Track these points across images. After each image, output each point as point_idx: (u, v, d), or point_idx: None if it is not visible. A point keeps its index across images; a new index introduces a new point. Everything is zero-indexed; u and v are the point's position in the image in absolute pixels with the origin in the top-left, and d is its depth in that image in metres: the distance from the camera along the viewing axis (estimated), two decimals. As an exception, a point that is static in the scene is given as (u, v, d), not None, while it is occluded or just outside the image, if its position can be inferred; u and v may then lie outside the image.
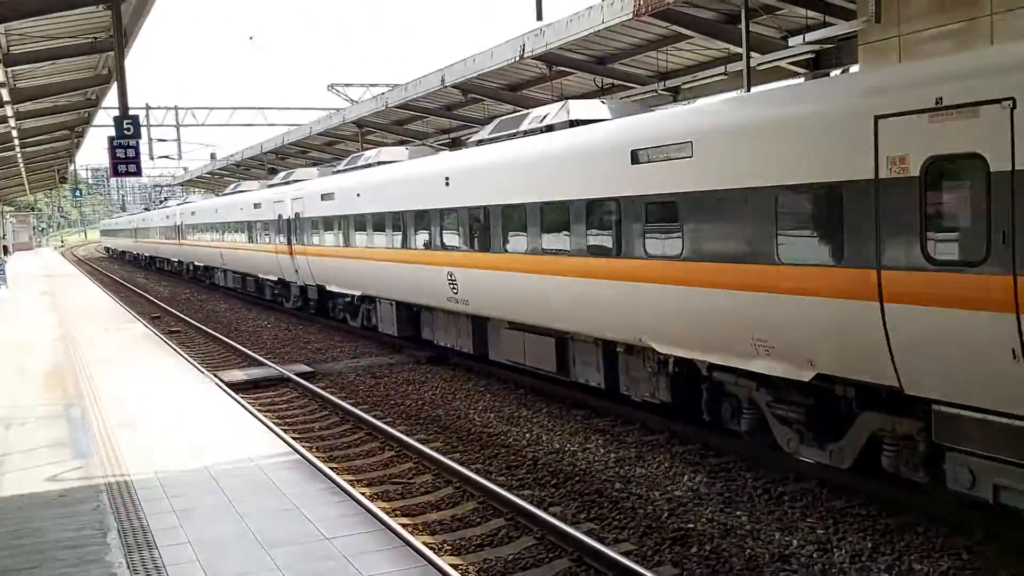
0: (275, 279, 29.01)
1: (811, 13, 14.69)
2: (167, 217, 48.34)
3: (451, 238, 15.90)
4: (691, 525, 8.65)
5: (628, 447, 11.46)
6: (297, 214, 25.00)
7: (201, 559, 6.97)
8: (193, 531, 7.64)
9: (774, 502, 9.18)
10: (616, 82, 20.45)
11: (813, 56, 16.71)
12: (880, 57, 12.78)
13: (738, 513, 8.91)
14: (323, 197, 22.66)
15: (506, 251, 14.07)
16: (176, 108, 47.32)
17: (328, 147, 39.02)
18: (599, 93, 21.11)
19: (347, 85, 34.81)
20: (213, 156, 56.21)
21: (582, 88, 21.71)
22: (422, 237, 17.11)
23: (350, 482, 10.32)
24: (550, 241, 12.80)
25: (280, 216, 26.68)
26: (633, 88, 20.42)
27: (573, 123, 13.37)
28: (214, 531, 7.64)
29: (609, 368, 12.52)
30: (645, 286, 10.80)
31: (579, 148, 12.36)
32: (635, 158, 10.86)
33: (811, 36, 14.39)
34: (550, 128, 13.78)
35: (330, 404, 14.70)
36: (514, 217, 13.82)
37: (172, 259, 49.61)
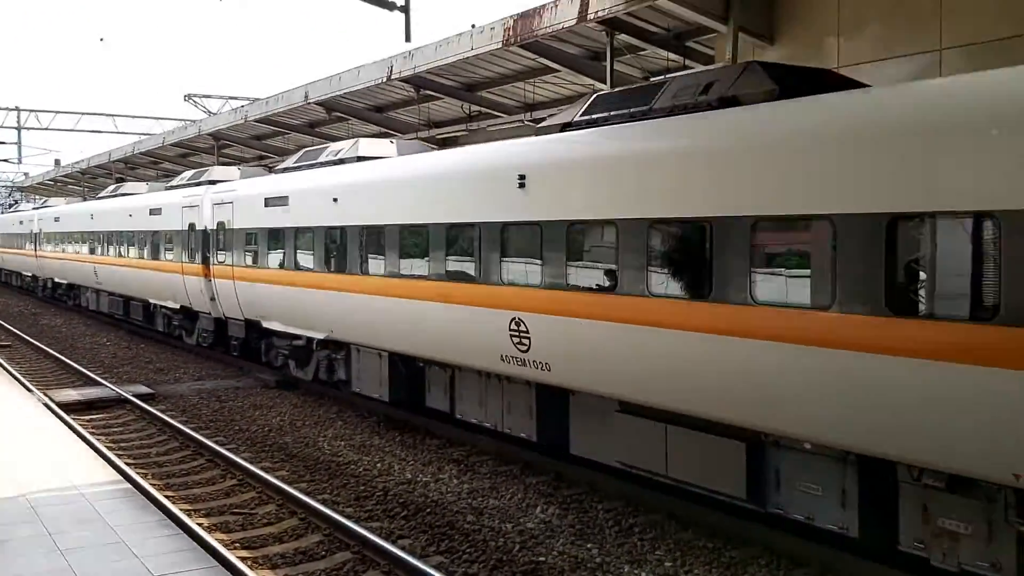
0: (176, 307, 22.72)
1: (672, 56, 15.16)
2: (20, 223, 41.55)
3: (519, 269, 10.86)
4: (542, 558, 8.54)
5: (482, 477, 11.30)
6: (221, 224, 19.36)
7: (8, 599, 6.33)
8: (5, 567, 6.93)
9: (624, 534, 9.20)
10: (483, 110, 20.49)
11: (673, 97, 17.19)
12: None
13: (589, 546, 8.87)
14: (268, 202, 17.41)
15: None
16: (18, 109, 44.50)
17: (182, 159, 37.47)
18: (466, 119, 21.10)
19: (205, 96, 33.62)
20: (57, 162, 53.11)
21: (449, 113, 21.65)
22: (460, 263, 11.82)
23: (187, 512, 9.72)
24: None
25: (192, 226, 20.94)
26: (499, 116, 20.51)
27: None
28: (29, 567, 6.97)
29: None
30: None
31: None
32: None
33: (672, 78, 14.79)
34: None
35: (170, 428, 13.90)
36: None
37: (24, 273, 42.54)
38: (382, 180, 14.00)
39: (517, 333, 10.62)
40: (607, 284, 9.53)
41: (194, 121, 31.77)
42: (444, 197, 12.15)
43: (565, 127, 10.57)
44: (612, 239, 9.40)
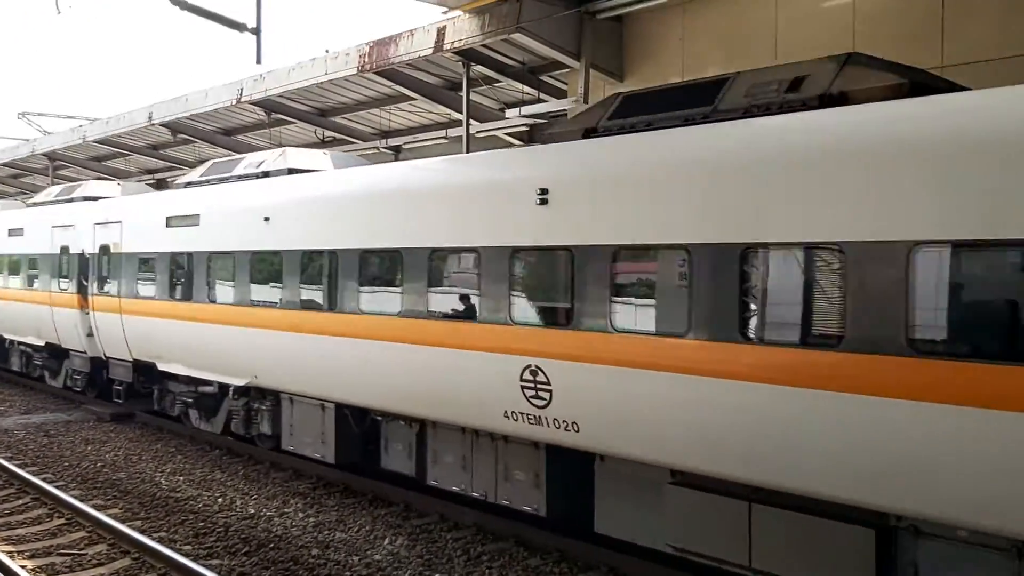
0: (40, 343, 19.31)
1: (527, 89, 15.48)
2: None
3: (536, 306, 9.10)
4: (390, 591, 8.34)
5: (328, 510, 10.98)
6: (105, 248, 16.44)
7: None
8: None
9: (473, 563, 9.11)
10: (338, 136, 20.24)
11: (527, 128, 17.54)
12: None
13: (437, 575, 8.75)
14: (172, 222, 14.48)
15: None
16: None
17: (13, 180, 35.21)
18: (320, 145, 20.79)
19: (40, 115, 31.72)
20: None
21: (302, 138, 21.28)
22: (449, 297, 9.81)
23: (9, 554, 9.04)
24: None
25: (65, 249, 17.97)
26: (355, 143, 20.32)
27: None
28: None
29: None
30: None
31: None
32: None
33: (526, 110, 15.11)
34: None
35: (-11, 466, 12.85)
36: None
37: None
38: (335, 196, 11.57)
39: (532, 384, 8.58)
40: (674, 328, 7.57)
41: (27, 140, 29.93)
42: (425, 216, 9.99)
43: (588, 133, 8.76)
44: (679, 269, 7.58)
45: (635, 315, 8.00)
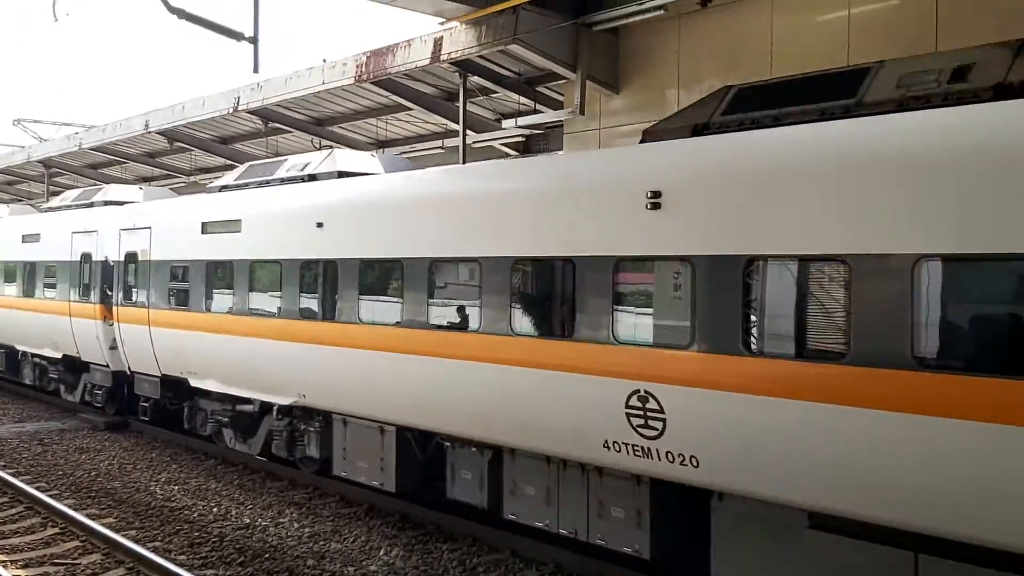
0: (57, 356, 18.20)
1: (523, 100, 15.53)
2: None
3: (643, 324, 8.12)
4: (385, 602, 8.34)
5: (324, 521, 10.96)
6: (132, 255, 15.42)
7: None
8: None
9: (468, 574, 9.12)
10: (334, 145, 20.27)
11: (523, 139, 17.59)
12: (583, 145, 13.68)
13: (433, 587, 8.74)
14: (209, 228, 13.45)
15: None
16: None
17: (8, 187, 35.17)
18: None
19: (36, 121, 31.72)
20: None
21: (298, 147, 21.30)
22: (538, 311, 9.05)
23: (2, 563, 9.03)
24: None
25: (86, 257, 16.94)
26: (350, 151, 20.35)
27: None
28: None
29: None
30: None
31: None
32: None
33: (522, 121, 15.18)
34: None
35: (-17, 474, 12.81)
36: None
37: None
38: (400, 200, 10.53)
39: (641, 412, 7.66)
40: (827, 351, 6.70)
41: (23, 147, 29.93)
42: (509, 223, 9.00)
43: (699, 130, 7.91)
44: (836, 281, 6.60)
45: (774, 335, 7.04)
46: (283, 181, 12.80)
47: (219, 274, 13.24)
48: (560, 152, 13.90)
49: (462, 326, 9.49)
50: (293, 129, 19.53)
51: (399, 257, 10.19)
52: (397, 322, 10.19)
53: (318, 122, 19.52)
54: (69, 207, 18.90)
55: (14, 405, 19.33)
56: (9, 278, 20.05)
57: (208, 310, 13.37)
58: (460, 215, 9.65)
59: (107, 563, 9.33)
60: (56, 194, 29.16)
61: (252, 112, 18.45)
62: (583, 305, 8.19)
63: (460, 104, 15.27)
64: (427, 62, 14.21)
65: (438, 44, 13.92)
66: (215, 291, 13.30)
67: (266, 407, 12.61)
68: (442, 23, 13.69)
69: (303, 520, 10.97)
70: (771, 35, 11.70)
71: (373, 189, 11.15)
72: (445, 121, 17.06)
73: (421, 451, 10.56)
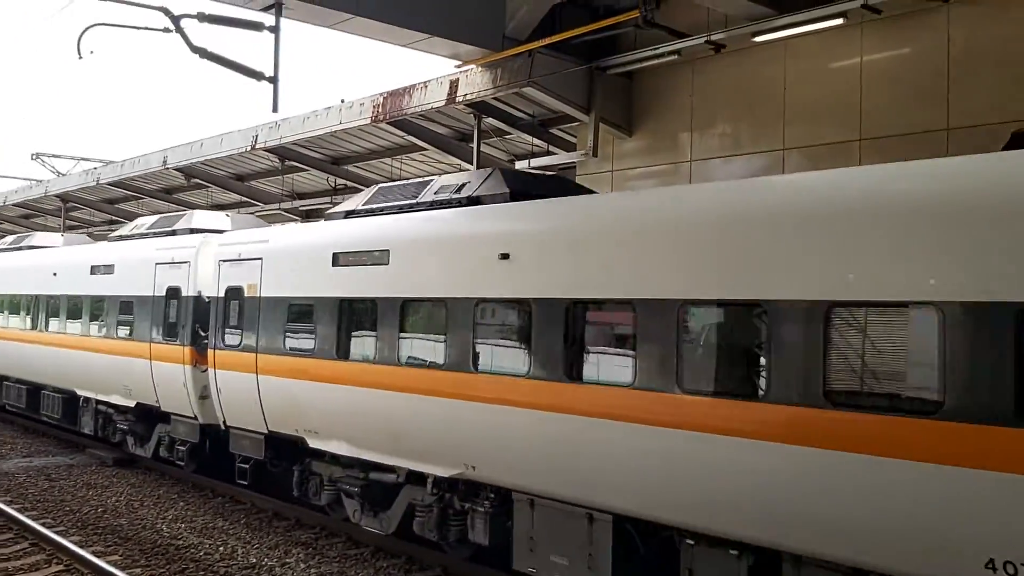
0: (130, 404, 15.71)
1: (537, 141, 15.64)
2: None
3: None
4: (390, 647, 8.22)
5: (331, 561, 10.86)
6: (235, 290, 13.05)
7: None
8: None
9: (476, 620, 8.99)
10: (349, 183, 20.43)
11: (536, 181, 17.66)
12: (596, 186, 13.74)
13: (439, 633, 8.61)
14: (341, 259, 11.18)
15: None
16: None
17: (24, 220, 35.53)
18: (332, 192, 20.99)
19: (54, 156, 32.14)
20: None
21: (315, 185, 21.49)
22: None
23: (2, 602, 8.91)
24: None
25: (174, 291, 14.50)
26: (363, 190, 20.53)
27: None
28: None
29: None
30: None
31: None
32: None
33: (536, 162, 15.27)
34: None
35: (-10, 509, 12.76)
36: None
37: None
38: (624, 227, 8.38)
39: None
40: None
41: (40, 181, 30.28)
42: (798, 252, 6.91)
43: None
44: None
45: None
46: (434, 205, 10.60)
47: (357, 315, 11.01)
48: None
49: (711, 390, 7.39)
50: (309, 167, 19.71)
51: (636, 298, 7.86)
52: (630, 382, 7.86)
53: (334, 161, 19.70)
54: (146, 235, 16.56)
55: (22, 439, 19.33)
56: (74, 314, 17.55)
57: (340, 356, 11.03)
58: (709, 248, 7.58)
59: (111, 602, 9.25)
60: (73, 228, 29.36)
61: (269, 150, 18.63)
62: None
63: (474, 145, 15.39)
64: (443, 103, 14.35)
65: (454, 86, 14.07)
66: (351, 335, 11.05)
67: (412, 477, 10.43)
68: (458, 65, 13.84)
69: (309, 560, 10.87)
70: (784, 80, 11.78)
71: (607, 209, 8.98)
72: (459, 161, 17.19)
73: (644, 547, 8.25)
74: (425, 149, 17.23)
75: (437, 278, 9.89)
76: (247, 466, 13.09)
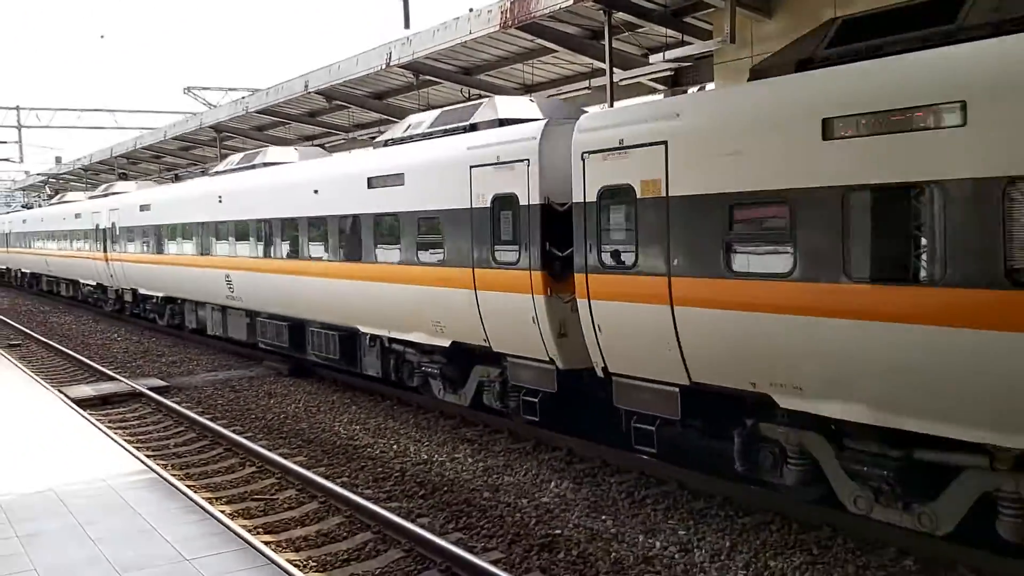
0: (443, 343, 12.89)
1: (670, 32, 15.23)
2: (76, 216, 33.03)
3: None
4: (558, 531, 8.75)
5: (496, 456, 11.50)
6: (613, 191, 9.78)
7: (47, 587, 6.55)
8: (40, 557, 7.16)
9: (637, 505, 9.40)
10: (483, 93, 20.56)
11: (672, 73, 17.29)
12: (734, 76, 13.36)
13: (603, 517, 9.08)
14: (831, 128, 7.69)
15: None
16: (18, 108, 44.67)
17: (183, 152, 37.58)
18: (466, 103, 21.18)
19: (205, 88, 33.74)
20: (59, 160, 53.29)
21: (448, 98, 21.72)
22: None
23: (209, 500, 9.92)
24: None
25: (510, 201, 11.37)
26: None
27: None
28: (63, 556, 7.19)
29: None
30: None
31: None
32: None
33: (670, 54, 14.92)
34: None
35: (186, 420, 14.10)
36: None
37: (87, 282, 33.13)
38: None
39: None
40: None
41: (195, 114, 31.87)
42: None
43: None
44: None
45: None
46: None
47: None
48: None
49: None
50: (443, 80, 19.93)
51: None
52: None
53: (466, 71, 19.82)
54: (431, 134, 13.69)
55: (206, 356, 20.99)
56: (350, 239, 14.82)
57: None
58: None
59: (301, 498, 10.14)
60: (225, 157, 30.88)
61: (403, 66, 18.92)
62: None
63: (605, 42, 15.16)
64: (571, 2, 14.15)
65: (581, -17, 13.83)
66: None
67: None
68: (585, -39, 13.58)
69: (476, 455, 11.54)
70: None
71: None
72: (591, 61, 16.98)
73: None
74: (556, 51, 17.09)
75: None
76: (654, 428, 9.78)
